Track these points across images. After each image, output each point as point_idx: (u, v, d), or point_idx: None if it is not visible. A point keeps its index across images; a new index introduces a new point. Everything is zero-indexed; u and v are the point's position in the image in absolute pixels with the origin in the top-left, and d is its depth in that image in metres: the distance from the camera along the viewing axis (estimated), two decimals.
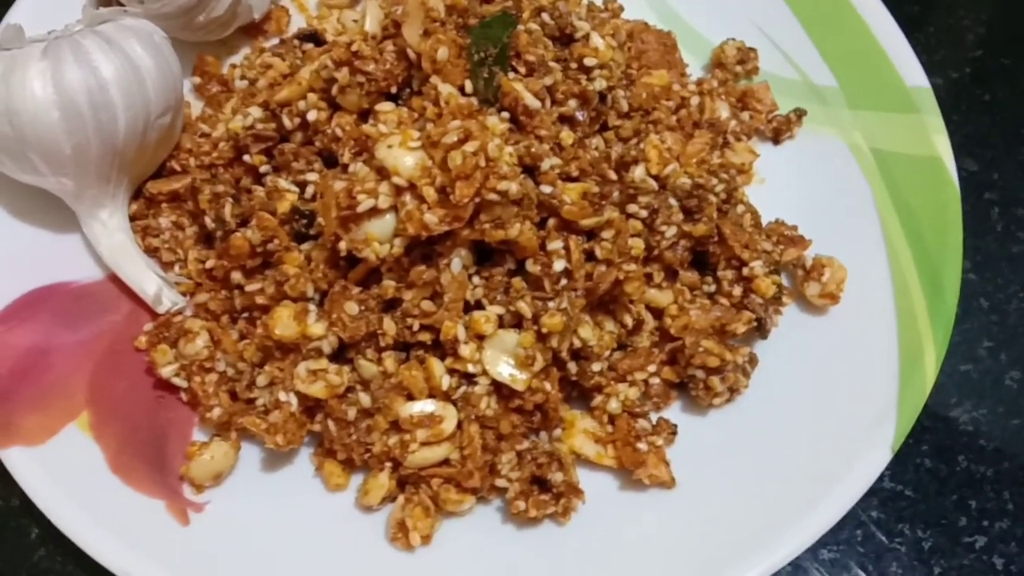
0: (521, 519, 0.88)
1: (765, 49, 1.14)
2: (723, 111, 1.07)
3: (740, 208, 0.98)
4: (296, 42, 1.08)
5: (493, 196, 0.80)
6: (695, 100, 1.06)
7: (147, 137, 0.94)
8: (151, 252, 0.99)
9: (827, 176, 1.07)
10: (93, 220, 0.96)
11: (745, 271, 0.95)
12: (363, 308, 0.87)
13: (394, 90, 0.89)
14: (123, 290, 0.97)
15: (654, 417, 0.93)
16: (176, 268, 0.98)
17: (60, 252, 0.98)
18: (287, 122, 0.93)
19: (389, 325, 0.86)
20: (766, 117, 1.10)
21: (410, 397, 0.87)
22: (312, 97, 0.92)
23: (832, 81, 1.11)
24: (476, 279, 0.87)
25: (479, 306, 0.88)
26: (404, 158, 0.83)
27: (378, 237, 0.85)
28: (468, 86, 0.86)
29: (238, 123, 0.94)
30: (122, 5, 1.01)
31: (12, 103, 0.87)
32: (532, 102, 0.86)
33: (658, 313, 0.96)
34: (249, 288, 0.91)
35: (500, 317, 0.87)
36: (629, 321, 0.93)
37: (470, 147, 0.79)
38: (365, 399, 0.86)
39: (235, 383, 0.90)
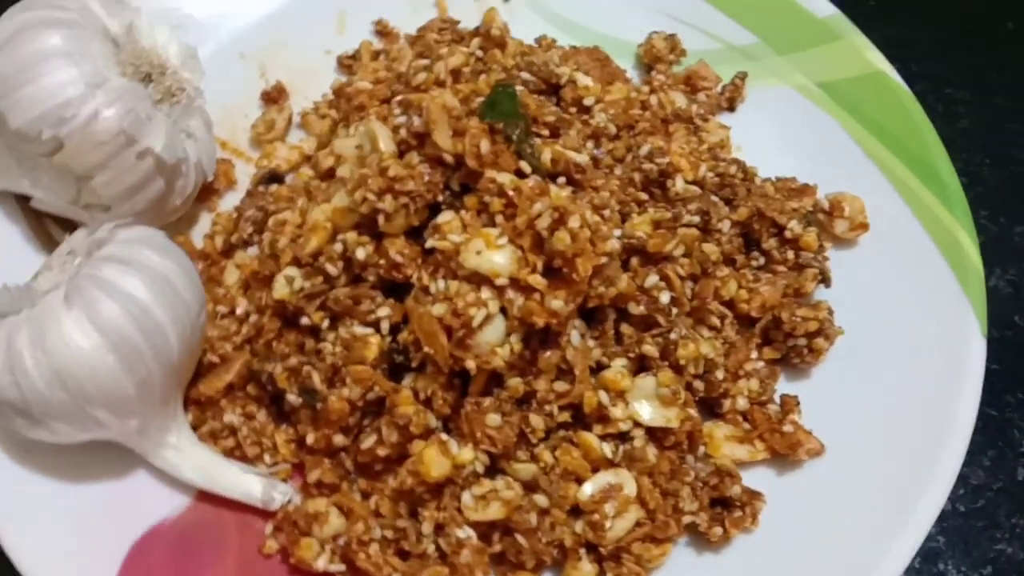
0: (721, 543, 0.89)
1: (680, 31, 1.18)
2: (680, 100, 1.11)
3: (758, 180, 1.02)
4: (261, 188, 1.04)
5: (603, 259, 0.81)
6: (654, 99, 1.09)
7: (193, 342, 0.88)
8: (230, 453, 0.92)
9: (792, 123, 1.13)
10: (164, 449, 0.89)
11: (787, 233, 1.00)
12: (504, 415, 0.85)
13: (440, 199, 0.87)
14: (219, 504, 0.90)
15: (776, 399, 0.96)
16: (266, 457, 0.92)
17: (135, 496, 0.90)
18: (332, 270, 0.89)
19: (537, 421, 0.85)
20: (716, 91, 1.14)
21: (577, 480, 0.86)
22: (351, 235, 0.88)
23: (752, 38, 1.18)
24: (591, 341, 0.87)
25: (600, 366, 0.88)
26: (495, 258, 0.82)
27: (495, 342, 0.83)
28: (524, 166, 0.85)
29: (284, 291, 0.89)
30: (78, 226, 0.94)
31: (60, 365, 0.79)
32: (582, 159, 0.87)
33: (727, 303, 0.98)
34: (366, 445, 0.87)
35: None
36: (716, 322, 0.95)
37: (574, 223, 0.79)
38: (543, 500, 0.85)
39: (400, 542, 0.86)
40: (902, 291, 1.01)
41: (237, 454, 0.93)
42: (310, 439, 0.89)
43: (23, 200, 0.97)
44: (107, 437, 0.86)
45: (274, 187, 1.03)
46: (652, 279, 0.87)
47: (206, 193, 1.06)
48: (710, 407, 0.95)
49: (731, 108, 1.15)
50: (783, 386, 0.99)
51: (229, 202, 1.08)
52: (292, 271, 0.90)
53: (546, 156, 0.87)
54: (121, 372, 0.81)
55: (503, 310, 0.83)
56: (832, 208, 1.04)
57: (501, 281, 0.81)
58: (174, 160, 0.93)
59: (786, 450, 0.92)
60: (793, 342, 0.96)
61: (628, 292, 0.86)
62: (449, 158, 0.85)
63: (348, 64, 1.15)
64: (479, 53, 1.01)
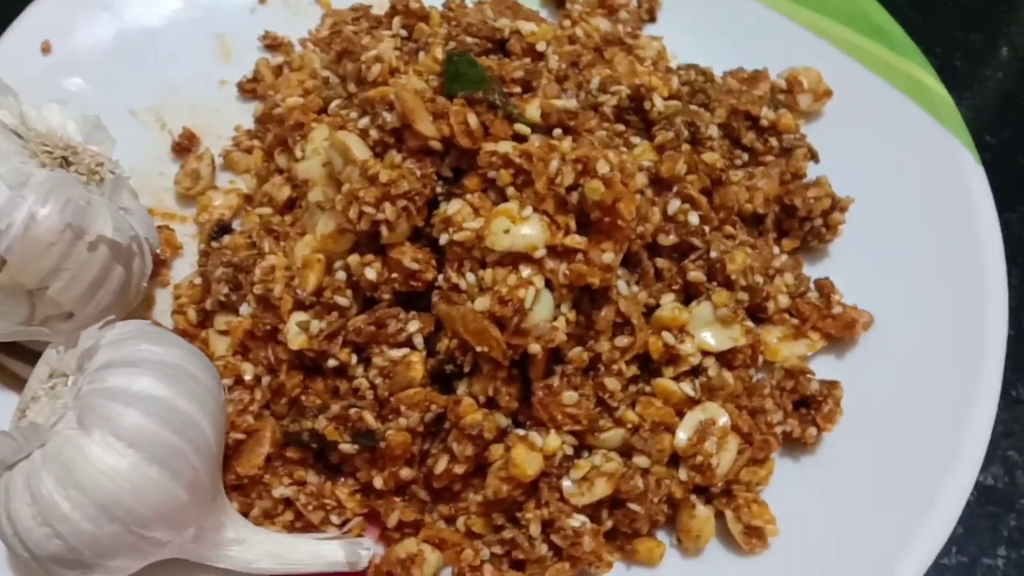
0: (815, 443, 0.86)
1: None
2: (604, 25, 1.06)
3: (718, 81, 0.99)
4: (215, 244, 0.95)
5: (638, 197, 0.76)
6: (580, 31, 1.04)
7: (223, 422, 0.79)
8: (291, 528, 0.84)
9: (716, 15, 1.11)
10: (226, 548, 0.80)
11: (763, 122, 0.97)
12: (577, 390, 0.79)
13: (439, 190, 0.80)
14: None
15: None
16: (333, 518, 0.84)
17: None
18: (343, 301, 0.81)
19: (612, 383, 0.80)
20: (633, 5, 1.10)
21: (667, 429, 0.82)
22: (354, 259, 0.81)
23: None
24: (635, 287, 0.83)
25: (648, 309, 0.84)
26: (525, 231, 0.76)
27: (548, 318, 0.78)
28: (520, 129, 0.79)
29: (301, 339, 0.81)
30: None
31: (102, 496, 0.70)
32: (571, 104, 0.81)
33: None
34: (440, 468, 0.81)
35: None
36: (731, 229, 0.92)
37: (603, 168, 0.74)
38: (643, 461, 0.80)
39: (511, 553, 0.80)
40: (884, 146, 1.00)
41: (299, 525, 0.84)
42: (378, 482, 0.82)
43: None
44: (164, 556, 0.77)
45: (226, 238, 0.94)
46: (675, 204, 0.83)
47: (156, 270, 0.95)
48: (752, 314, 0.91)
49: (652, 18, 1.11)
50: (814, 270, 0.97)
51: (179, 271, 0.98)
52: (301, 316, 0.82)
53: (533, 112, 0.81)
54: (169, 481, 0.72)
55: (547, 283, 0.77)
56: (791, 85, 1.02)
57: (539, 253, 0.76)
58: (127, 241, 0.83)
59: (842, 331, 0.90)
60: (810, 225, 0.94)
61: (659, 224, 0.82)
62: (437, 145, 0.79)
63: (251, 88, 1.06)
64: (403, 33, 0.94)
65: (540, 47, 0.89)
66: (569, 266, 0.76)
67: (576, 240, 0.76)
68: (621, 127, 0.90)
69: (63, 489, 0.70)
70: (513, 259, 0.76)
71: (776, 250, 0.94)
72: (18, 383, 0.86)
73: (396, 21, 0.94)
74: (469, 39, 0.88)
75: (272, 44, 1.09)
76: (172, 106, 1.06)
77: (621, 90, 0.91)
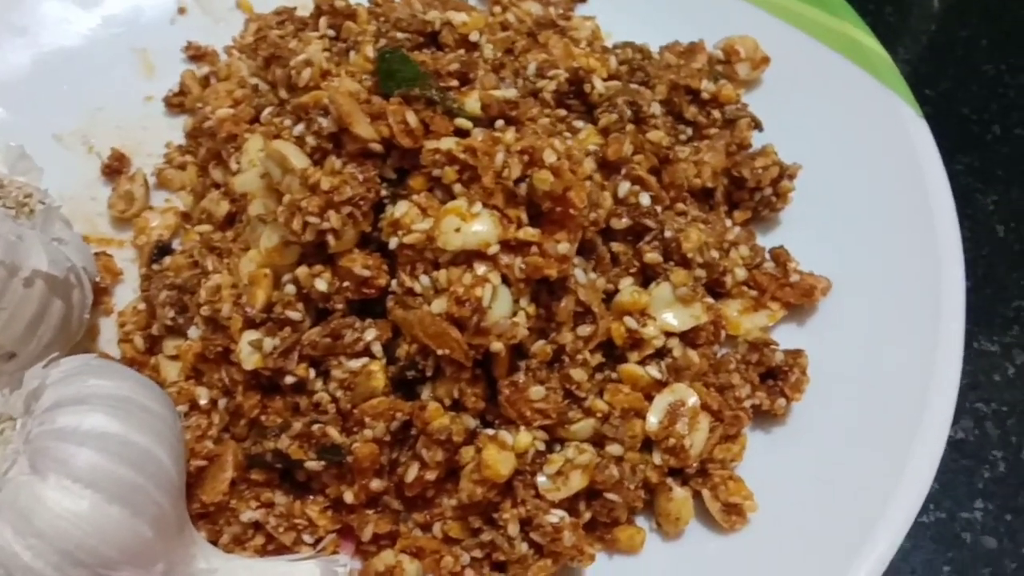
0: (784, 414, 0.86)
1: None
2: (535, 8, 1.05)
3: (655, 57, 0.98)
4: (156, 267, 0.92)
5: (587, 183, 0.75)
6: (511, 17, 1.02)
7: (182, 452, 0.76)
8: (263, 552, 0.82)
9: None
10: None
11: (704, 95, 0.96)
12: (543, 384, 0.78)
13: (384, 193, 0.78)
14: None
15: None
16: (306, 537, 0.82)
17: None
18: (295, 315, 0.79)
19: (580, 375, 0.79)
20: None
21: (637, 414, 0.81)
22: (302, 271, 0.78)
23: None
24: (592, 274, 0.81)
25: (608, 295, 0.83)
26: (476, 228, 0.74)
27: (508, 314, 0.76)
28: (462, 123, 0.77)
29: (255, 358, 0.78)
30: None
31: (64, 541, 0.67)
32: (511, 93, 0.80)
33: None
34: (411, 476, 0.79)
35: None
36: (682, 207, 0.91)
37: (550, 157, 0.72)
38: (616, 449, 0.79)
39: (492, 555, 0.79)
40: (826, 109, 1.01)
41: (271, 548, 0.82)
42: (348, 497, 0.80)
43: None
44: None
45: (168, 260, 0.91)
46: (625, 186, 0.82)
47: (97, 299, 0.92)
48: (710, 290, 0.91)
49: None
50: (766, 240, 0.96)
51: (122, 297, 0.95)
52: (252, 334, 0.79)
53: (472, 104, 0.79)
54: (132, 519, 0.69)
55: (503, 279, 0.76)
56: (728, 55, 1.02)
57: (493, 249, 0.74)
58: (64, 273, 0.80)
59: (801, 299, 0.90)
60: (759, 195, 0.93)
61: (611, 209, 0.80)
62: (377, 146, 0.76)
63: (178, 103, 1.03)
64: (331, 33, 0.91)
65: (473, 37, 0.87)
66: (524, 259, 0.75)
67: (529, 233, 0.74)
68: (563, 112, 0.89)
69: (22, 538, 0.67)
70: (467, 257, 0.75)
71: (728, 223, 0.93)
72: None
73: (322, 21, 0.91)
74: (400, 34, 0.86)
75: (196, 55, 1.06)
76: (98, 128, 1.03)
77: (559, 74, 0.89)
